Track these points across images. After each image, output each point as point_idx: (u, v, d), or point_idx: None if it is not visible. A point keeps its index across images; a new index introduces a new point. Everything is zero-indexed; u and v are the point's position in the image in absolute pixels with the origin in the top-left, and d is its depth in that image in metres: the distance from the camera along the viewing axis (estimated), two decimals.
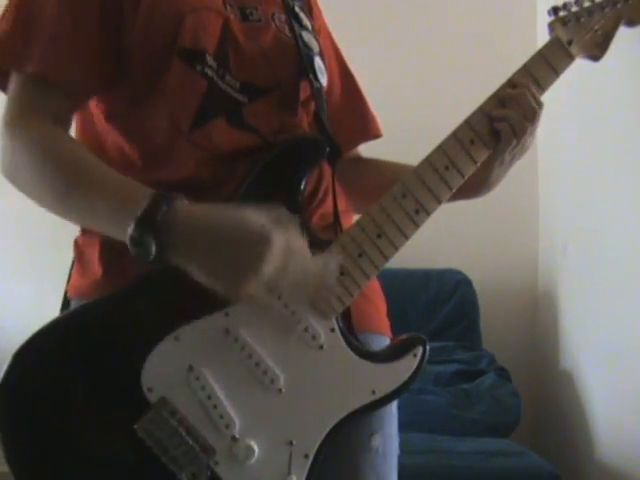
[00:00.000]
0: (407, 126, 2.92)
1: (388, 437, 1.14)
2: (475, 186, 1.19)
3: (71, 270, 1.15)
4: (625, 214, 2.36)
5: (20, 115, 1.04)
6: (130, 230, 0.92)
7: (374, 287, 1.18)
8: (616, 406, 2.45)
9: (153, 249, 0.92)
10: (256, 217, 0.93)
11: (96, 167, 1.01)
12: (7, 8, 1.07)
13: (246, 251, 0.91)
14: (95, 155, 1.04)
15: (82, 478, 1.01)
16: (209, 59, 1.06)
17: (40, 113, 1.04)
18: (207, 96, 1.06)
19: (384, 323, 1.21)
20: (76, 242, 1.14)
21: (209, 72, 1.06)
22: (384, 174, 1.27)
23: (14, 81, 1.06)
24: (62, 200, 1.01)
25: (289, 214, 0.97)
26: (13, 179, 1.03)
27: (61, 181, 1.00)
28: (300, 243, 0.95)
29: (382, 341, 1.17)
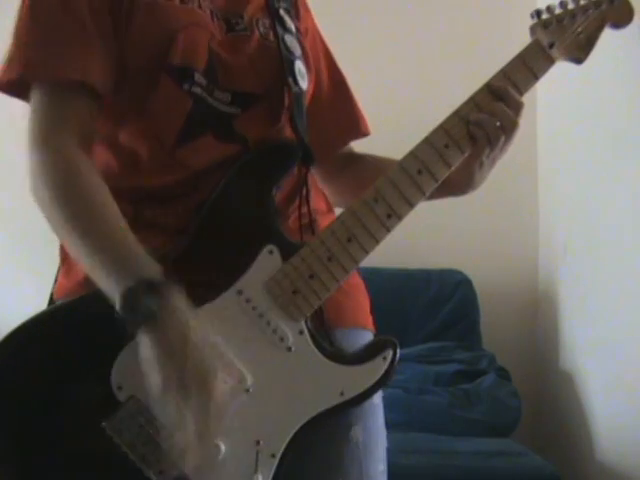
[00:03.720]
0: (401, 124, 2.91)
1: (370, 429, 1.14)
2: (460, 186, 1.18)
3: (58, 273, 1.16)
4: (625, 214, 2.36)
5: (47, 131, 1.04)
6: (116, 300, 0.96)
7: (354, 282, 1.18)
8: (616, 406, 2.45)
9: (130, 326, 0.95)
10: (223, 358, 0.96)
11: (107, 216, 1.02)
12: (22, 19, 1.07)
13: (188, 380, 0.93)
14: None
15: (51, 474, 1.01)
16: (198, 77, 1.08)
17: (67, 129, 1.04)
18: (192, 114, 1.08)
19: (365, 316, 1.21)
20: (61, 246, 1.14)
21: (197, 90, 1.08)
22: (378, 170, 1.27)
23: (37, 93, 1.06)
24: (63, 236, 1.03)
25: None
26: (35, 197, 1.04)
27: (71, 221, 1.01)
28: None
29: (362, 334, 1.17)
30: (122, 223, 1.02)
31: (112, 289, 0.97)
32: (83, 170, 1.04)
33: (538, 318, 3.17)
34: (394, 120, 2.76)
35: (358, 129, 1.32)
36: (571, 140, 2.77)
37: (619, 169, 2.40)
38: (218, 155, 1.08)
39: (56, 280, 1.16)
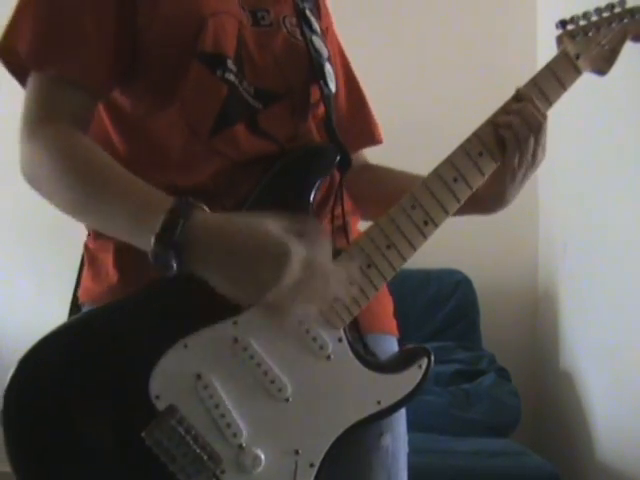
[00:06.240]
0: (406, 128, 2.92)
1: (398, 437, 1.14)
2: (491, 202, 1.18)
3: (79, 273, 1.14)
4: (625, 214, 2.36)
5: (41, 117, 1.02)
6: (151, 245, 0.92)
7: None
8: (616, 406, 2.45)
9: (174, 263, 0.92)
10: (275, 227, 0.93)
11: (117, 174, 1.00)
12: (24, 8, 1.05)
13: (266, 261, 0.91)
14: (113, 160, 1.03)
15: None
16: (230, 64, 1.06)
17: (61, 115, 1.03)
18: (228, 101, 1.06)
19: (391, 322, 1.21)
20: (87, 246, 1.13)
21: (230, 77, 1.06)
22: (393, 182, 1.26)
23: (34, 81, 1.04)
24: (81, 207, 1.00)
25: (314, 222, 0.99)
26: (32, 181, 1.02)
27: (81, 188, 0.99)
28: (322, 254, 0.95)
29: (390, 341, 1.17)
30: (128, 174, 0.99)
31: (146, 235, 0.93)
32: (78, 140, 1.02)
33: (538, 318, 3.17)
34: (395, 126, 2.76)
35: (372, 136, 1.30)
36: (571, 140, 2.77)
37: (619, 169, 2.40)
38: (252, 150, 1.07)
39: (78, 282, 1.14)
